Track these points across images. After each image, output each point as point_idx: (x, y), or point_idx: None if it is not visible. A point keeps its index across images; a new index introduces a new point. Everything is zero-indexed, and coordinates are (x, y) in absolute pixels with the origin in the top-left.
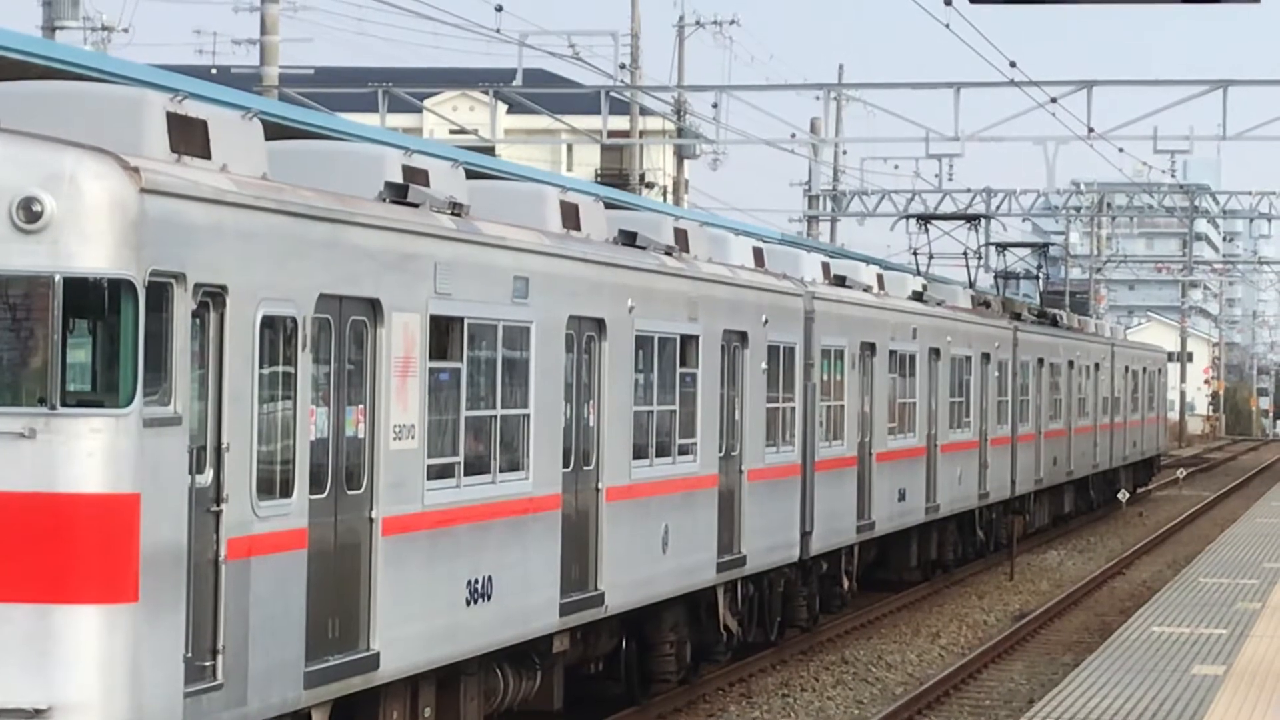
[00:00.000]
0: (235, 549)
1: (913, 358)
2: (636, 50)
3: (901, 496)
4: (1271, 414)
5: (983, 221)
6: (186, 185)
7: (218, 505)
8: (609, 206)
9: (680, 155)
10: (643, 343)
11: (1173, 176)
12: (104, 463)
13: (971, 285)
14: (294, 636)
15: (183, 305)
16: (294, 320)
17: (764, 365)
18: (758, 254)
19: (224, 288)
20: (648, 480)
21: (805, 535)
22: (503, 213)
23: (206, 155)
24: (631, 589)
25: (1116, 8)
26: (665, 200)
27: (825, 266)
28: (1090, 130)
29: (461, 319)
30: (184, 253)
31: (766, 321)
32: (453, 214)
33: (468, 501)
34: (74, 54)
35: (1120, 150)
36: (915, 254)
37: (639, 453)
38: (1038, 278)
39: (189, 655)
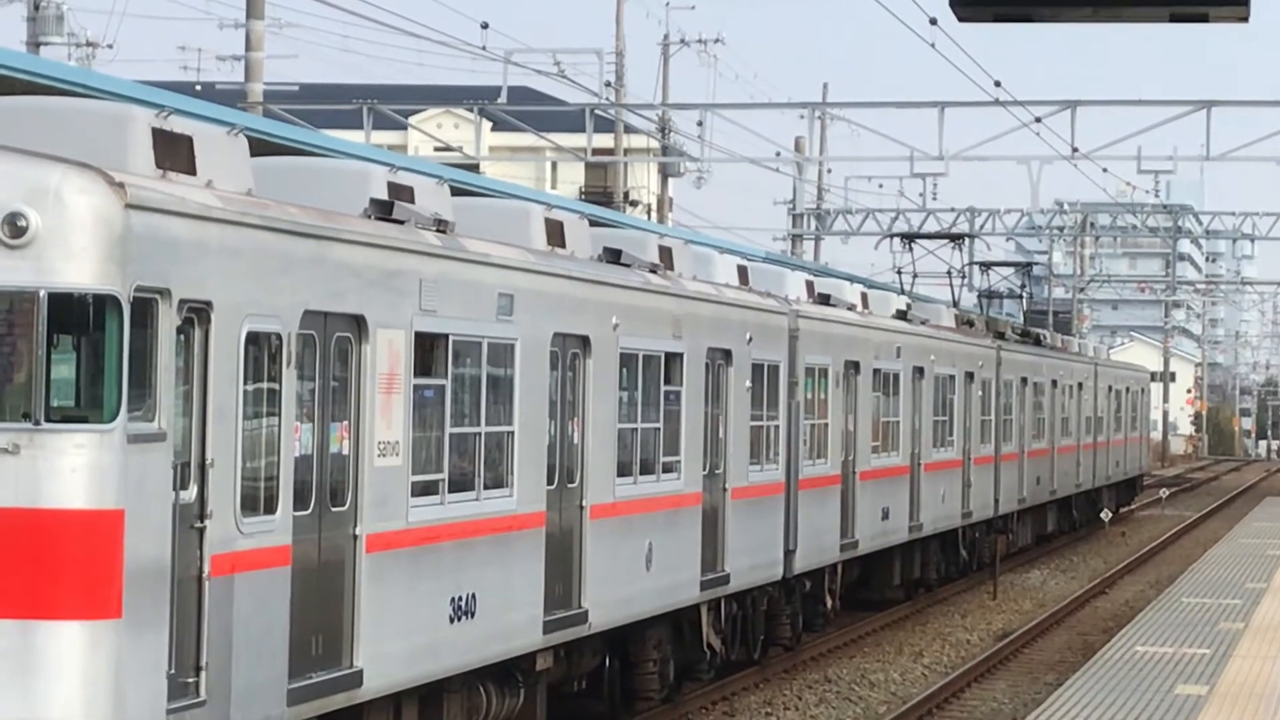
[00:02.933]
0: (219, 565)
1: (897, 376)
2: (621, 68)
3: (885, 515)
4: (1254, 434)
5: (966, 241)
6: (172, 201)
7: (201, 522)
8: (593, 224)
9: (664, 173)
10: (627, 360)
11: (1156, 196)
12: (88, 479)
13: (955, 304)
14: (277, 653)
15: (167, 321)
16: (279, 336)
17: (748, 383)
18: (742, 272)
19: (209, 304)
20: (631, 498)
21: (789, 554)
22: (487, 230)
23: (192, 171)
24: (615, 607)
25: (1102, 27)
26: (649, 218)
27: (809, 285)
28: (1074, 150)
29: (446, 336)
30: (169, 268)
31: (751, 339)
32: (438, 231)
33: (452, 519)
34: (59, 70)
35: (1104, 170)
36: (899, 273)
37: (623, 470)
38: (1021, 297)
39: (172, 672)
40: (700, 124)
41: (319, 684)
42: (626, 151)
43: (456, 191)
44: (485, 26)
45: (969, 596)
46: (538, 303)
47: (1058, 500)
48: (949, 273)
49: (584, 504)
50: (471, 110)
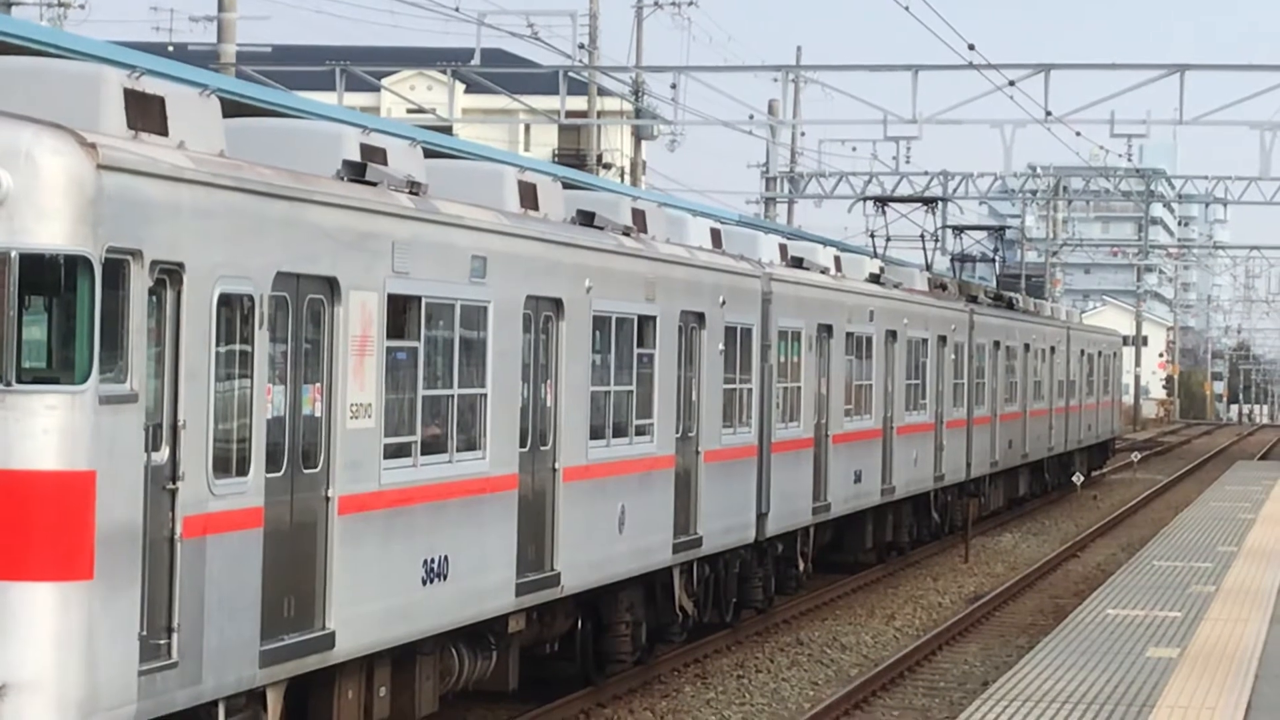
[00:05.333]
0: (191, 527)
1: (869, 340)
2: (595, 30)
3: (857, 478)
4: (1226, 398)
5: (940, 204)
6: (144, 162)
7: (173, 483)
8: (567, 187)
9: (638, 136)
10: (600, 323)
11: (1129, 160)
12: (60, 440)
13: (928, 268)
14: (249, 615)
15: (139, 282)
16: (251, 298)
17: (721, 346)
18: (715, 235)
19: (181, 265)
20: (604, 461)
21: (761, 517)
22: (461, 192)
23: (164, 132)
24: (588, 569)
25: None
26: (623, 181)
27: (783, 248)
28: (1047, 113)
29: (419, 298)
30: (141, 230)
31: (724, 303)
32: (411, 193)
33: (424, 481)
34: (30, 29)
35: (1077, 134)
36: (872, 236)
37: (596, 433)
38: (994, 261)
39: (144, 633)
40: (674, 87)
41: (291, 646)
42: (600, 114)
43: (429, 153)
44: None
45: (941, 560)
46: (511, 265)
47: (1030, 464)
48: (922, 236)
49: (556, 466)
50: (444, 72)
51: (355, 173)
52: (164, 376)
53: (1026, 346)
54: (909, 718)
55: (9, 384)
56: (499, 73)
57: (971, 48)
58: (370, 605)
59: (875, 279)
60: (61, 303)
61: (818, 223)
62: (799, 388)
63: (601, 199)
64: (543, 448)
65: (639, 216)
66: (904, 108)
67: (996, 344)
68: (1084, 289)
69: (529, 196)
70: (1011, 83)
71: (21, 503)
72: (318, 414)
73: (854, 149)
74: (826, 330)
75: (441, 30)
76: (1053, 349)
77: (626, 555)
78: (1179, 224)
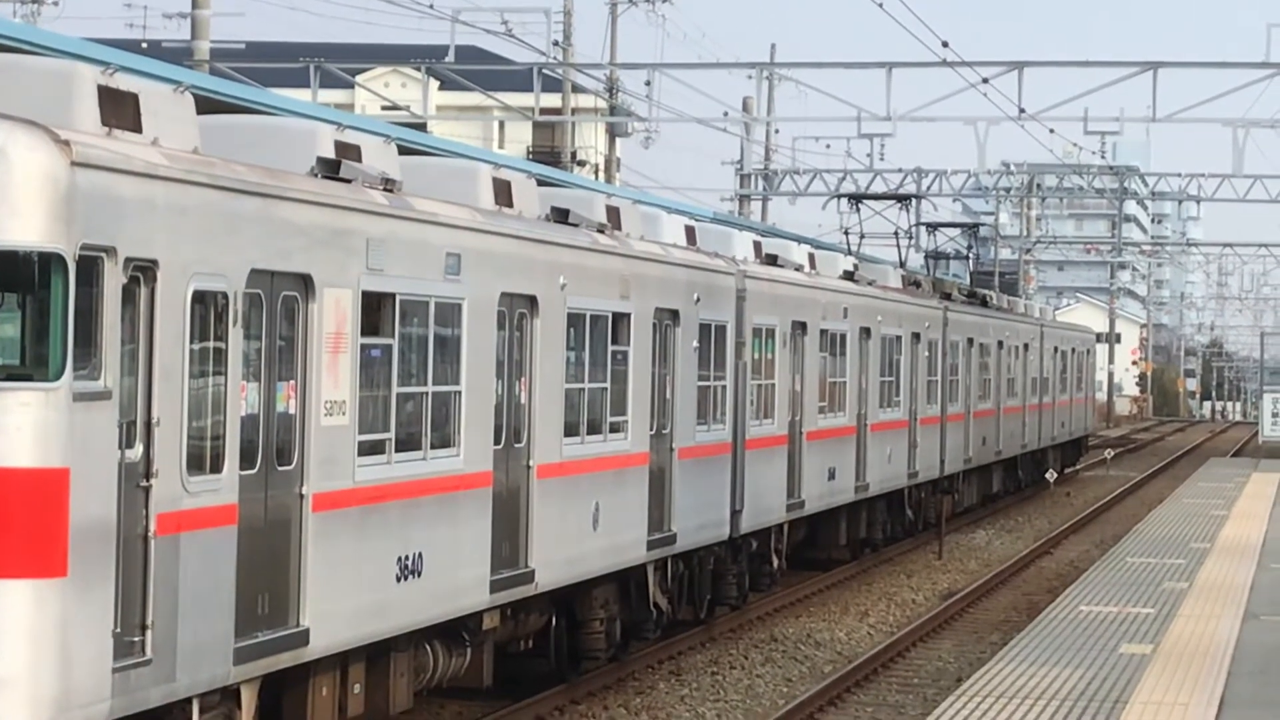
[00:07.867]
0: (165, 524)
1: (843, 337)
2: (569, 27)
3: (831, 475)
4: (1199, 395)
5: (913, 201)
6: (118, 159)
7: (147, 480)
8: (541, 184)
9: (612, 133)
10: (574, 320)
11: (1102, 158)
12: (33, 437)
13: (902, 265)
14: (223, 612)
15: (113, 279)
16: (225, 295)
17: (695, 343)
18: (690, 232)
19: (155, 262)
20: (579, 458)
21: (735, 514)
22: (435, 189)
23: (138, 129)
24: (562, 566)
25: None
26: (597, 178)
27: (757, 245)
28: (1021, 111)
29: (393, 295)
30: (115, 226)
31: (698, 300)
32: (385, 190)
33: (398, 478)
34: (3, 26)
35: (1051, 131)
36: (846, 233)
37: (570, 430)
38: (968, 258)
39: (118, 630)
40: (648, 84)
41: (265, 643)
42: (574, 111)
43: (404, 151)
44: None
45: (915, 556)
46: (485, 262)
47: (1003, 461)
48: (896, 233)
49: (531, 464)
50: (419, 69)
51: (329, 170)
52: (138, 373)
53: (1000, 343)
54: (883, 714)
55: None
56: (473, 70)
57: (945, 45)
58: (344, 602)
59: (849, 276)
60: (35, 300)
61: (792, 220)
62: (773, 385)
63: (576, 196)
64: (517, 445)
65: (613, 213)
66: (878, 105)
67: (970, 341)
68: (1057, 286)
69: (503, 193)
70: (985, 80)
71: None
72: (292, 411)
73: (828, 146)
74: (801, 327)
75: (416, 27)
76: (1026, 346)
77: (601, 552)
78: (1152, 221)
